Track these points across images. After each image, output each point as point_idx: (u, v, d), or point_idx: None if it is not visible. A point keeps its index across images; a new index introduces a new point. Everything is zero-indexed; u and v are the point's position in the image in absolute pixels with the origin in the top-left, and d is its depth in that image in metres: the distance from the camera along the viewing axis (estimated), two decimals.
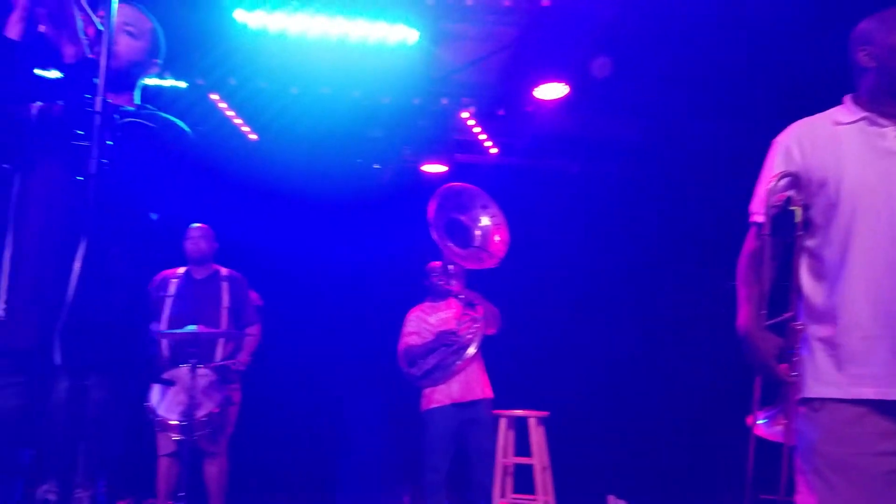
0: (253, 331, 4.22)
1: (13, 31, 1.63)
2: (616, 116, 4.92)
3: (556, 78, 4.33)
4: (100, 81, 1.42)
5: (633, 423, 5.16)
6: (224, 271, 4.24)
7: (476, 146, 5.27)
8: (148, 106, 1.93)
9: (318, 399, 5.21)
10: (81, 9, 1.65)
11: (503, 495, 4.01)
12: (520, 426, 4.17)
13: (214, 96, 4.67)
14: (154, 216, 1.87)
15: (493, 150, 5.28)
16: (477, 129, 5.04)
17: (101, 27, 1.66)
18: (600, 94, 4.48)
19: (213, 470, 3.98)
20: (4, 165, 1.73)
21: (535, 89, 4.43)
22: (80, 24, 1.63)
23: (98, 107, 1.40)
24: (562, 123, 4.87)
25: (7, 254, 1.66)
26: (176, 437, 3.62)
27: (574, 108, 4.63)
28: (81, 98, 1.50)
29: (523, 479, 4.13)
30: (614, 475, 5.08)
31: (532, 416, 4.08)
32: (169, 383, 3.62)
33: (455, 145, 5.33)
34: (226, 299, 4.15)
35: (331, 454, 5.18)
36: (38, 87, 1.70)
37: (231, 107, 4.86)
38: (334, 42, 4.04)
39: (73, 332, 1.59)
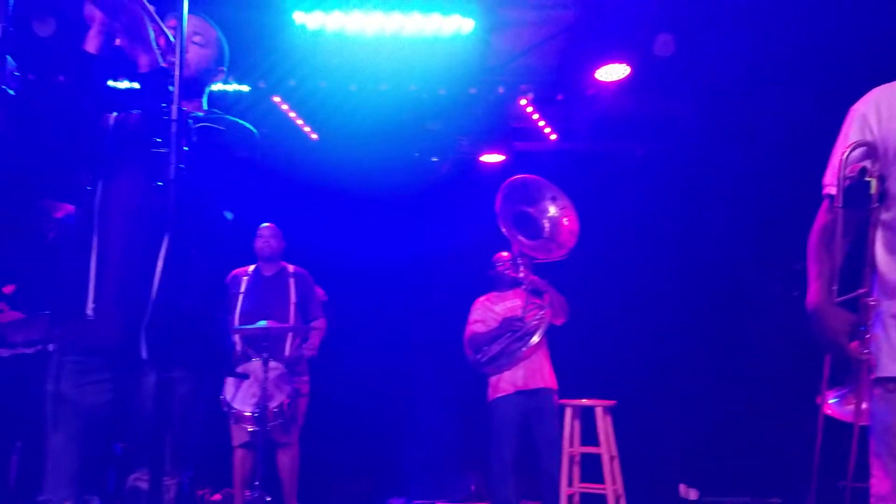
0: (319, 324, 4.34)
1: (91, 45, 1.72)
2: (681, 95, 4.76)
3: (617, 59, 4.22)
4: (174, 90, 1.48)
5: (702, 410, 5.02)
6: (291, 268, 4.37)
7: (535, 133, 5.22)
8: (216, 111, 2.02)
9: (385, 390, 5.30)
10: (153, 21, 1.73)
11: (570, 484, 3.98)
12: (586, 416, 4.13)
13: (276, 98, 4.79)
14: (229, 216, 1.94)
15: (553, 137, 5.21)
16: (535, 116, 4.98)
17: (172, 38, 1.75)
18: (663, 73, 4.34)
19: (286, 459, 4.12)
20: (87, 175, 1.83)
21: (596, 72, 4.34)
22: (152, 35, 1.71)
23: (174, 114, 1.46)
24: (624, 105, 4.75)
25: (93, 259, 1.75)
26: (250, 428, 3.76)
27: (636, 88, 4.51)
28: (157, 106, 1.57)
29: (591, 469, 4.09)
30: (684, 463, 4.97)
31: (599, 406, 4.03)
32: (243, 376, 3.76)
33: (513, 133, 5.29)
34: (293, 295, 4.28)
35: (398, 444, 5.26)
36: (114, 97, 1.79)
37: (292, 107, 4.98)
38: (390, 37, 4.07)
39: (157, 329, 1.67)
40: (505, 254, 4.05)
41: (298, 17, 4.03)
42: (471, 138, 5.33)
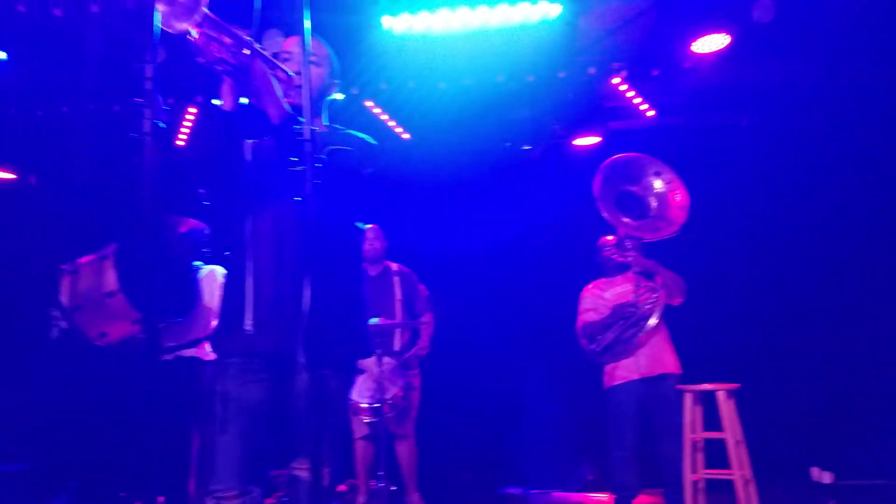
0: (426, 319, 4.46)
1: (226, 105, 1.88)
2: (785, 62, 4.48)
3: (715, 28, 4.04)
4: (305, 112, 1.57)
5: (831, 391, 4.73)
6: (394, 267, 4.51)
7: (631, 111, 5.07)
8: (337, 126, 2.12)
9: (498, 381, 5.34)
10: (273, 66, 1.84)
11: (694, 471, 3.85)
12: (707, 400, 3.99)
13: (369, 103, 4.92)
14: (361, 225, 2.07)
15: (650, 113, 5.04)
16: (630, 94, 4.84)
17: (291, 73, 1.92)
18: (765, 39, 4.10)
19: (404, 450, 4.27)
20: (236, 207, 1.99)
21: (693, 44, 4.17)
22: (278, 88, 1.84)
23: (307, 135, 1.54)
24: (725, 76, 4.52)
25: (249, 280, 1.91)
26: (367, 419, 3.94)
27: (737, 58, 4.28)
28: (290, 130, 1.72)
29: (715, 455, 3.94)
30: (815, 446, 4.70)
31: (721, 390, 3.87)
32: (360, 371, 3.94)
33: (607, 113, 5.17)
34: (398, 293, 4.43)
35: (514, 434, 5.29)
36: (250, 124, 1.91)
37: (384, 110, 5.09)
38: (475, 31, 4.08)
39: (312, 337, 1.78)
40: (610, 238, 3.96)
41: (386, 21, 4.12)
42: (563, 123, 5.26)
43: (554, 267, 5.25)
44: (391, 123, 5.28)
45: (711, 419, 3.91)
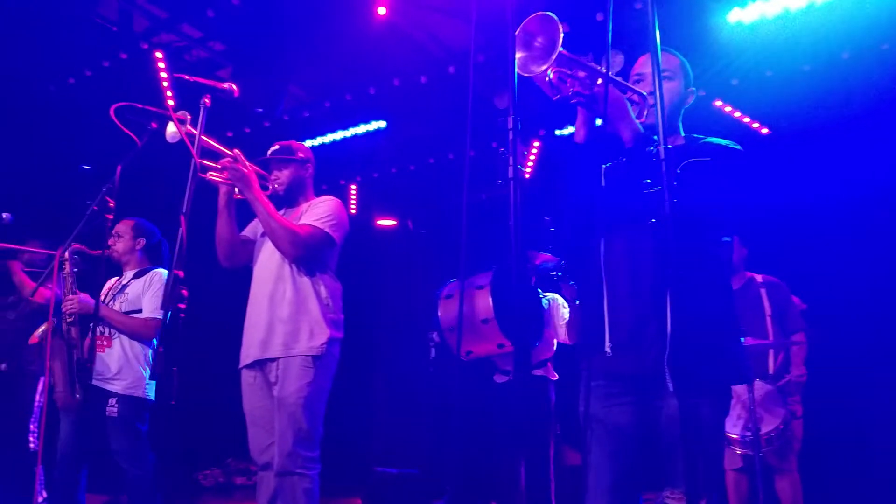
0: (799, 338, 3.93)
1: (578, 135, 1.93)
2: None
3: None
4: (659, 131, 1.53)
5: None
6: (759, 278, 4.09)
7: None
8: (695, 135, 2.02)
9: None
10: (625, 89, 1.85)
11: None
12: None
13: (718, 102, 4.59)
14: (728, 239, 1.95)
15: None
16: None
17: (644, 94, 1.89)
18: None
19: (785, 485, 3.83)
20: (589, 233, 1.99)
21: None
22: (631, 111, 1.83)
23: (662, 154, 1.51)
24: None
25: (605, 303, 1.92)
26: (739, 451, 3.63)
27: None
28: (644, 152, 1.69)
29: None
30: None
31: None
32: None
33: None
34: (767, 307, 3.99)
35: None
36: (603, 150, 1.94)
37: (736, 107, 4.69)
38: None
39: (679, 361, 1.74)
40: None
41: (734, 14, 3.81)
42: None
43: None
44: (746, 120, 4.83)
45: None
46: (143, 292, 3.40)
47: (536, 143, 5.26)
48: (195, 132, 2.39)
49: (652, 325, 1.80)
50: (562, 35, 1.66)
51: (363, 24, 3.89)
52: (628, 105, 1.84)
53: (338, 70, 4.54)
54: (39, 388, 3.89)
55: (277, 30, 4.22)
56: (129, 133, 2.55)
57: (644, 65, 2.00)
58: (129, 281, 3.47)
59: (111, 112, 2.49)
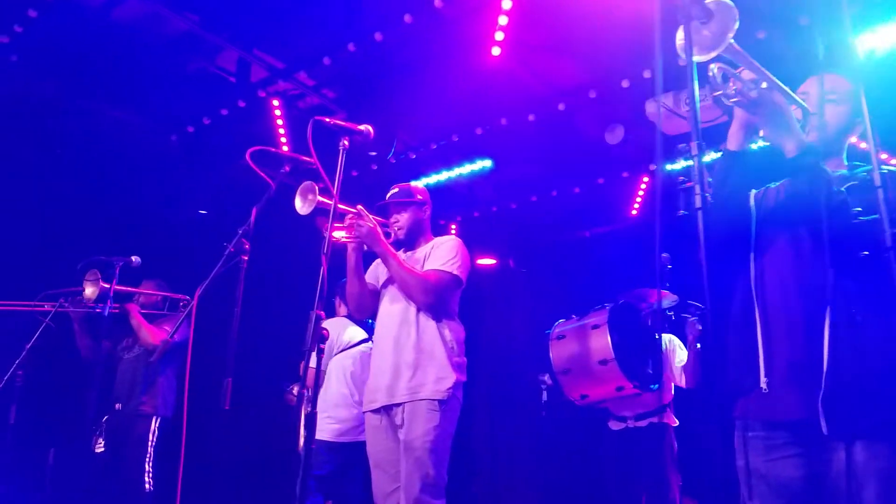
0: None
1: (732, 144, 1.83)
2: None
3: None
4: (872, 156, 1.47)
5: None
6: None
7: None
8: (857, 163, 1.88)
9: None
10: (791, 100, 1.75)
11: None
12: None
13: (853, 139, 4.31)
14: None
15: None
16: None
17: (809, 109, 1.80)
18: None
19: None
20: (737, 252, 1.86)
21: None
22: (795, 121, 1.74)
23: (877, 181, 1.43)
24: None
25: (759, 333, 1.75)
26: None
27: None
28: (808, 163, 1.61)
29: None
30: None
31: None
32: None
33: None
34: None
35: None
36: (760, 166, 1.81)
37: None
38: None
39: (835, 400, 1.58)
40: None
41: (864, 41, 3.58)
42: None
43: None
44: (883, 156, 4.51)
45: None
46: None
47: (646, 179, 5.11)
48: (327, 200, 2.47)
49: (810, 359, 1.63)
50: (737, 23, 1.52)
51: (475, 65, 3.91)
52: (791, 114, 1.74)
53: (447, 112, 4.59)
54: (152, 428, 3.99)
55: (388, 74, 4.31)
56: (264, 175, 2.62)
57: (810, 85, 1.89)
58: None
59: (247, 156, 2.57)
